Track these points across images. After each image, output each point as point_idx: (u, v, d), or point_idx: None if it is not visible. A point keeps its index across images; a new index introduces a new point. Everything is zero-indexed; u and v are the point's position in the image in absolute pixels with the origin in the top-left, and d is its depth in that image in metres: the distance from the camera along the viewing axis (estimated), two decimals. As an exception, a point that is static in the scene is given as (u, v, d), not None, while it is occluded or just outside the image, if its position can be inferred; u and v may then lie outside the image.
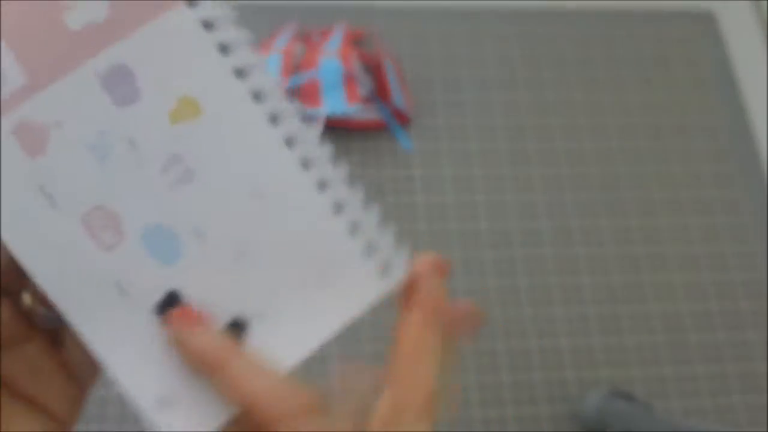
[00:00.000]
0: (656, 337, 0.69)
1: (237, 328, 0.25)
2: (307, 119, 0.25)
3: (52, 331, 0.25)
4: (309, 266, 0.25)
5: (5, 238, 0.23)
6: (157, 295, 0.24)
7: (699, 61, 0.81)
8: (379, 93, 0.71)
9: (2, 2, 0.23)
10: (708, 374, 0.68)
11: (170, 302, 0.24)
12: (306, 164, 0.25)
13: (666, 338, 0.69)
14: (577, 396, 0.66)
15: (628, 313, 0.69)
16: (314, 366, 0.24)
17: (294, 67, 0.70)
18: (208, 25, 0.24)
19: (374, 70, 0.72)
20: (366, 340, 0.64)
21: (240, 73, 0.24)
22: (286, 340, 0.25)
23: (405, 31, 0.79)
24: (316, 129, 0.25)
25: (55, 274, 0.24)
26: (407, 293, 0.25)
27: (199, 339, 0.23)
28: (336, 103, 0.69)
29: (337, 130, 0.71)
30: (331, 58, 0.70)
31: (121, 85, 0.24)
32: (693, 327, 0.69)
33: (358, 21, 0.77)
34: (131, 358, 0.24)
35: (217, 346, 0.23)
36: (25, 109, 0.23)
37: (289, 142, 0.25)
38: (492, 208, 0.72)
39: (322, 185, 0.25)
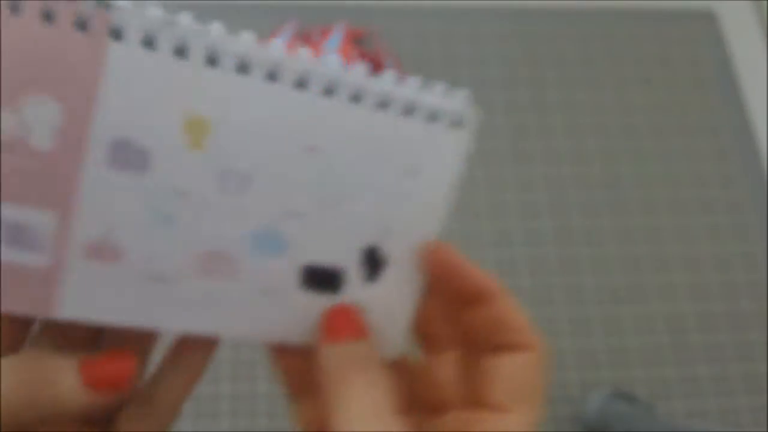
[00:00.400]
0: (658, 338, 0.68)
1: (372, 255, 0.27)
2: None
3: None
4: (396, 168, 0.26)
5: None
6: (293, 279, 0.26)
7: (700, 61, 0.81)
8: (380, 92, 0.71)
9: None
10: (710, 375, 0.67)
11: (314, 274, 0.26)
12: (356, 97, 0.26)
13: (668, 339, 0.68)
14: (579, 397, 0.66)
15: (630, 313, 0.69)
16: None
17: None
18: (147, 43, 0.23)
19: (374, 69, 0.71)
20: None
21: (212, 61, 0.24)
22: (417, 233, 0.27)
23: (405, 30, 0.78)
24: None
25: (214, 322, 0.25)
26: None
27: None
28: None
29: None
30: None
31: (127, 155, 0.23)
32: (695, 328, 0.69)
33: (358, 20, 0.77)
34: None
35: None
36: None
37: (304, 84, 0.25)
38: (493, 207, 0.71)
39: (383, 104, 0.26)
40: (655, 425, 0.60)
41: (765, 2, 0.83)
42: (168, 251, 0.24)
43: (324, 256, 0.26)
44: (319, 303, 0.27)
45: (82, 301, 0.24)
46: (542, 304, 0.68)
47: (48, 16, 0.22)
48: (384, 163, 0.26)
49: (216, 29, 0.24)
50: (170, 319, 0.25)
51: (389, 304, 0.28)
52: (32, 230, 0.23)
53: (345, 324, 0.26)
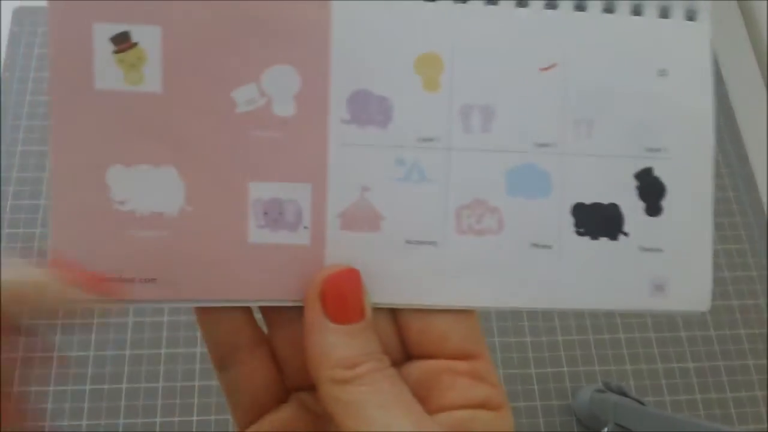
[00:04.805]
0: (649, 333, 0.69)
1: (647, 180, 0.23)
2: None
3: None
4: (644, 72, 0.23)
5: None
6: (566, 224, 0.22)
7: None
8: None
9: None
10: (700, 370, 0.68)
11: (588, 215, 0.23)
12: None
13: (658, 334, 0.69)
14: (571, 390, 0.67)
15: (620, 308, 0.70)
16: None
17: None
18: None
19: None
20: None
21: None
22: (690, 147, 0.23)
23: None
24: None
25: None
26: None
27: None
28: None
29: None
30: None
31: (367, 108, 0.22)
32: (685, 323, 0.70)
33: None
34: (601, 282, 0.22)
35: None
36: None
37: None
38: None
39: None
40: (645, 418, 0.60)
41: (750, 5, 0.85)
42: (425, 209, 0.22)
43: (593, 191, 0.23)
44: (602, 252, 0.23)
45: None
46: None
47: None
48: (630, 69, 0.23)
49: None
50: (437, 292, 0.22)
51: (684, 242, 0.23)
52: (292, 207, 0.22)
53: (349, 299, 0.22)
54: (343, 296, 0.21)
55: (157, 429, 0.56)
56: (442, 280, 0.23)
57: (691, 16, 0.24)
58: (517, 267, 0.23)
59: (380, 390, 0.21)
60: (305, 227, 0.22)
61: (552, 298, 0.23)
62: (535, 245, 0.23)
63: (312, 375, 0.22)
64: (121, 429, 0.56)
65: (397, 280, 0.22)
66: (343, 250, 0.22)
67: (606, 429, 0.61)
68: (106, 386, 0.57)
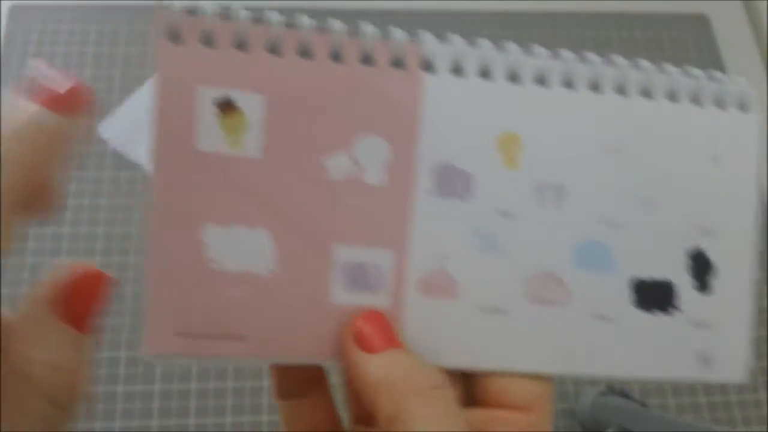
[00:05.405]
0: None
1: (700, 260, 0.25)
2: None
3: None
4: (700, 159, 0.25)
5: None
6: (626, 297, 0.24)
7: (692, 63, 0.82)
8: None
9: None
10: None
11: (646, 290, 0.24)
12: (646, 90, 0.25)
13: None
14: (574, 394, 0.66)
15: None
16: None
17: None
18: (456, 70, 0.24)
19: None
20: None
21: (513, 78, 0.24)
22: (736, 230, 0.25)
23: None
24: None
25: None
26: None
27: None
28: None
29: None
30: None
31: (450, 180, 0.24)
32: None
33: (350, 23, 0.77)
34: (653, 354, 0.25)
35: None
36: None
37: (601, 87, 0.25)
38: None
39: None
40: (648, 421, 0.60)
41: (757, 4, 0.85)
42: (499, 279, 0.24)
43: (651, 268, 0.25)
44: (656, 325, 0.24)
45: (420, 342, 0.23)
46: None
47: (366, 59, 0.23)
48: (687, 155, 0.25)
49: (513, 47, 0.24)
50: (507, 357, 0.24)
51: (729, 318, 0.25)
52: (374, 270, 0.23)
53: (381, 332, 0.24)
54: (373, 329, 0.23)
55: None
56: (512, 346, 0.24)
57: (743, 107, 0.26)
58: (581, 337, 0.24)
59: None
60: (386, 291, 0.23)
61: (609, 366, 0.24)
62: (598, 317, 0.24)
63: (371, 401, 0.23)
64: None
65: (470, 345, 0.24)
66: (421, 314, 0.24)
67: (610, 432, 0.61)
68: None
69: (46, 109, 0.20)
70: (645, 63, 0.26)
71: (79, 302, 0.20)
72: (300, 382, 0.27)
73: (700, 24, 0.84)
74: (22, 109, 0.20)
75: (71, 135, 0.20)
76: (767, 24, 0.82)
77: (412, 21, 0.80)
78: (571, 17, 0.83)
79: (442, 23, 0.80)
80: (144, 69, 0.70)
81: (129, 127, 0.67)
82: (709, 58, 0.82)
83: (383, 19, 0.79)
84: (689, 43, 0.83)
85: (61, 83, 0.21)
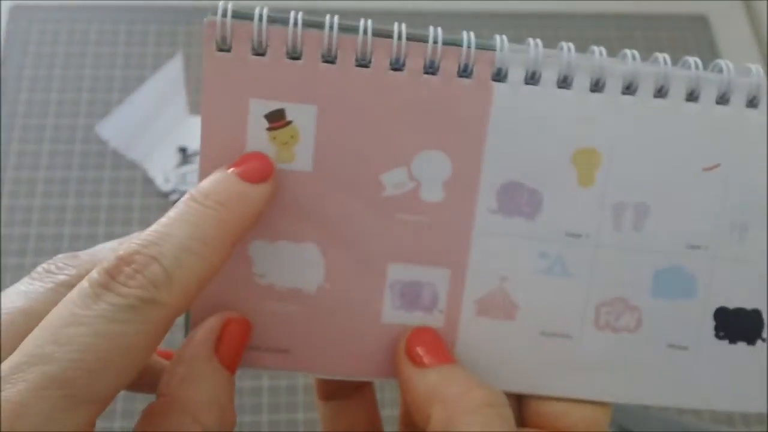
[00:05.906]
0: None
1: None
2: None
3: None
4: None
5: None
6: (707, 327, 0.22)
7: (692, 64, 0.82)
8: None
9: None
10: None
11: (730, 320, 0.22)
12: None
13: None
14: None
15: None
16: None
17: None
18: (531, 78, 0.22)
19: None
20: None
21: (597, 86, 0.22)
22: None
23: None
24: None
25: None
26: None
27: None
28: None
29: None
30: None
31: (517, 199, 0.22)
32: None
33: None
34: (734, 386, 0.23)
35: None
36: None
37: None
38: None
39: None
40: (647, 420, 0.60)
41: (756, 4, 0.85)
42: (564, 303, 0.22)
43: (738, 297, 0.23)
44: (737, 355, 0.23)
45: (473, 362, 0.22)
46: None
47: (430, 67, 0.22)
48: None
49: (598, 53, 0.22)
50: (569, 383, 0.22)
51: None
52: (429, 290, 0.22)
53: (435, 348, 0.23)
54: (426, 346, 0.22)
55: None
56: (575, 373, 0.22)
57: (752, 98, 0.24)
58: (651, 366, 0.23)
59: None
60: (440, 311, 0.22)
61: (679, 396, 0.23)
62: (672, 346, 0.23)
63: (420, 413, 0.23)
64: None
65: (528, 369, 0.22)
66: (475, 334, 0.23)
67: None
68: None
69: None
70: (755, 68, 0.23)
71: (232, 346, 0.22)
72: (344, 385, 0.27)
73: (699, 24, 0.84)
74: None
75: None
76: (767, 24, 0.82)
77: (412, 21, 0.80)
78: (571, 17, 0.83)
79: (442, 23, 0.80)
80: (144, 69, 0.70)
81: (129, 127, 0.67)
82: (709, 58, 0.82)
83: (383, 19, 0.79)
84: (689, 44, 0.83)
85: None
